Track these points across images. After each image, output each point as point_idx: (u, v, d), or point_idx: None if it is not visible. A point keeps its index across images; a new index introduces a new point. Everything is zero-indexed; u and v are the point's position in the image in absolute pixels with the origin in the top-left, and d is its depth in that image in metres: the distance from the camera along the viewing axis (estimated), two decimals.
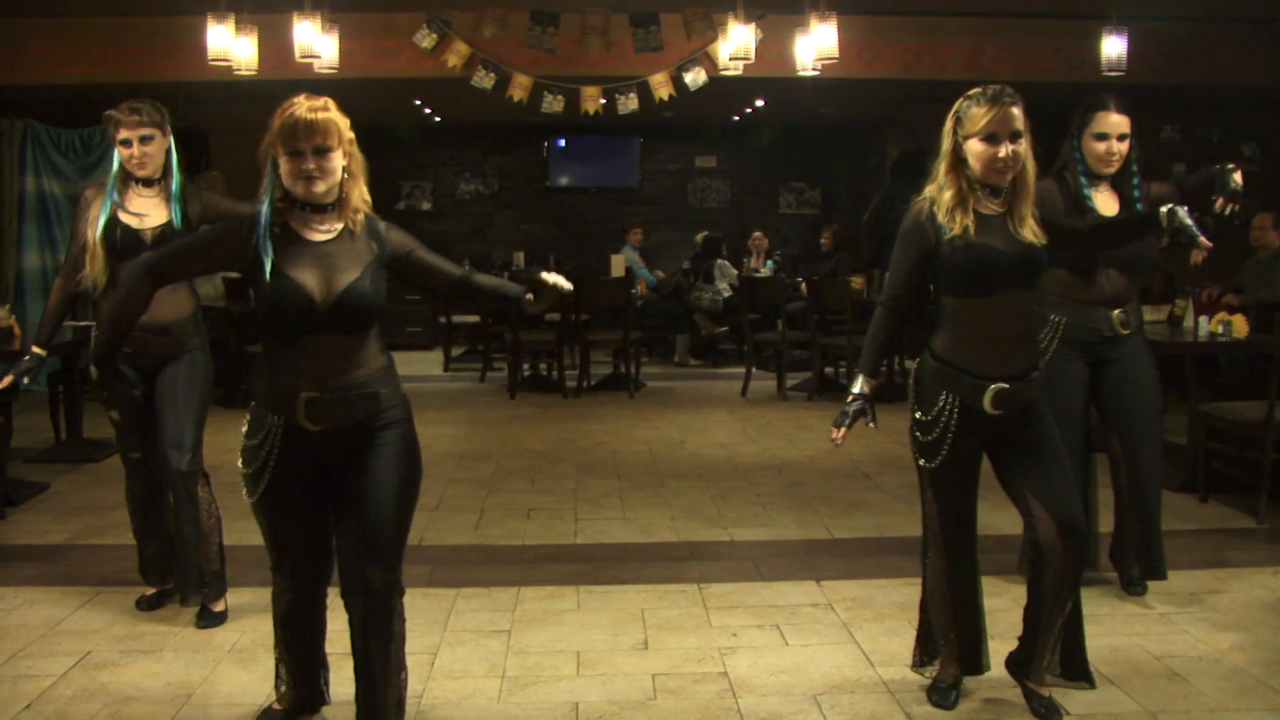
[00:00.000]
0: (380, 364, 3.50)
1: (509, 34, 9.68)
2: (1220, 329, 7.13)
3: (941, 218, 3.67)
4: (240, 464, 3.49)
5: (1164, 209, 3.87)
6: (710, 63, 9.73)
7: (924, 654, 4.11)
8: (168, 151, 4.83)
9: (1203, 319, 7.34)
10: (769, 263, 13.95)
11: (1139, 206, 4.82)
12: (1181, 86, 10.67)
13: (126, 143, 4.70)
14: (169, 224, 4.77)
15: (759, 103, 13.82)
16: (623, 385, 11.61)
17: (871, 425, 3.80)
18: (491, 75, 9.76)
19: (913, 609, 4.97)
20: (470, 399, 11.37)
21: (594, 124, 13.26)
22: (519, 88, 9.83)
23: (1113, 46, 8.61)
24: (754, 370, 11.54)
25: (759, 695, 4.13)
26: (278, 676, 3.86)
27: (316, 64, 8.47)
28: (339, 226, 3.43)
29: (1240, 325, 7.10)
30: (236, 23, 8.16)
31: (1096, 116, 4.86)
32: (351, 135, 3.43)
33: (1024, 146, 3.62)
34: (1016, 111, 3.58)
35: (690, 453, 8.54)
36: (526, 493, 7.29)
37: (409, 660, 4.40)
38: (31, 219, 11.18)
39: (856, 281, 11.26)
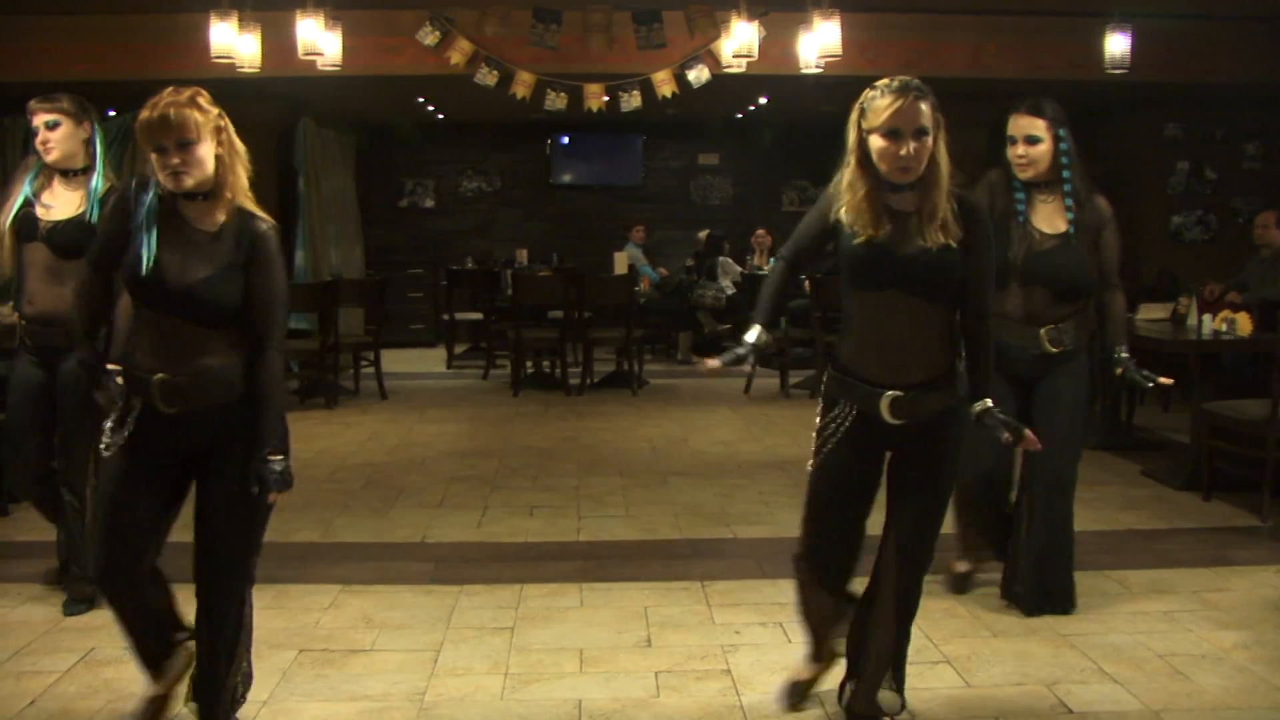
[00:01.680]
0: (238, 357, 3.46)
1: (512, 31, 9.66)
2: (1224, 327, 7.14)
3: (849, 220, 3.45)
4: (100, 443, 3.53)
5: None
6: (713, 60, 9.71)
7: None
8: (86, 144, 4.87)
9: (1206, 317, 7.34)
10: (772, 260, 13.94)
11: (1071, 228, 4.68)
12: (1185, 84, 10.66)
13: (35, 130, 4.80)
14: (75, 219, 4.78)
15: (762, 100, 13.81)
16: (625, 383, 11.61)
17: (751, 369, 3.73)
18: (494, 72, 9.75)
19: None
20: (473, 396, 11.37)
21: (597, 121, 13.24)
22: (522, 85, 9.82)
23: (1116, 44, 8.59)
24: (757, 368, 11.53)
25: (762, 693, 4.13)
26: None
27: (319, 61, 8.46)
28: (218, 220, 3.44)
29: (1244, 323, 7.10)
30: (240, 20, 8.15)
31: (1008, 119, 4.75)
32: (223, 123, 3.44)
33: (929, 144, 3.33)
34: (924, 107, 3.31)
35: (693, 450, 8.55)
36: (529, 490, 7.29)
37: (412, 657, 4.43)
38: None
39: None
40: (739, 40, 8.70)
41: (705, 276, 13.60)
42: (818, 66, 8.54)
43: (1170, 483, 7.13)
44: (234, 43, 8.06)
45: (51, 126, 4.79)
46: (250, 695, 4.05)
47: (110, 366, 3.74)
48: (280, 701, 4.09)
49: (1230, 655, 4.44)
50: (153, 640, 3.71)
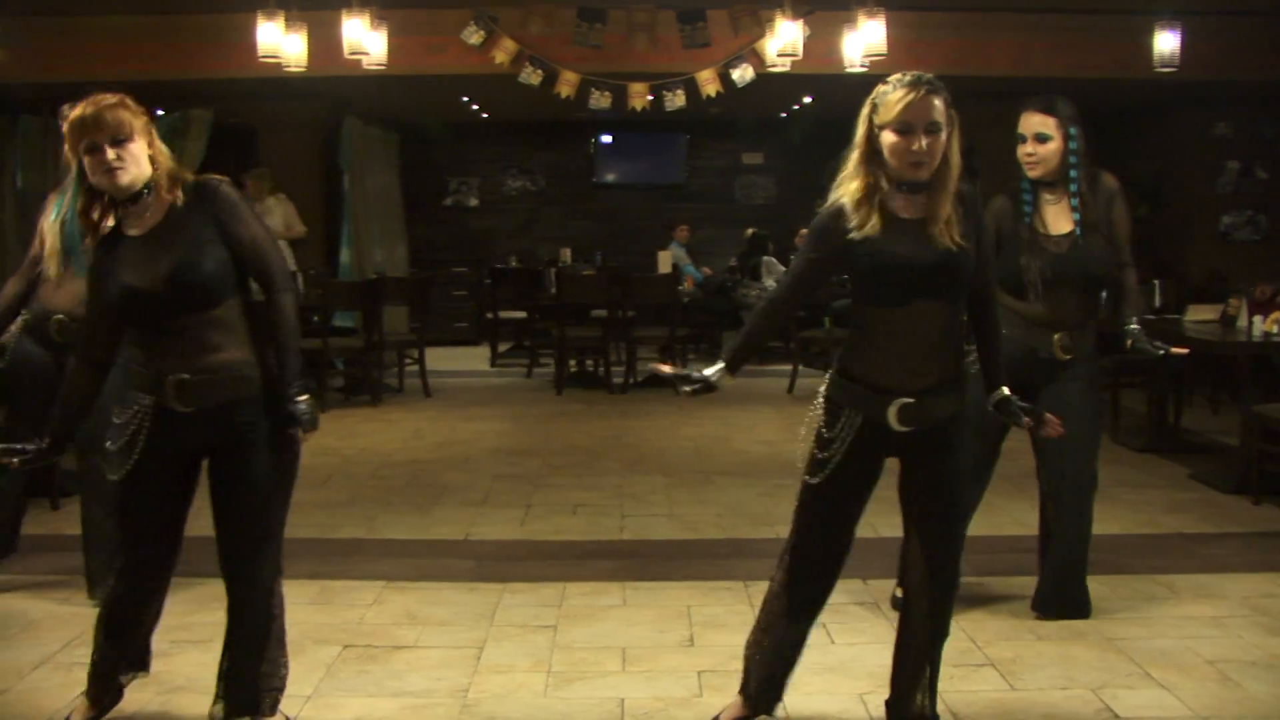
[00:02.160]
0: (248, 347, 3.49)
1: (556, 30, 9.68)
2: (1275, 328, 7.06)
3: (851, 215, 3.37)
4: (108, 441, 3.52)
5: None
6: (758, 59, 9.69)
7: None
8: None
9: (1257, 318, 7.27)
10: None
11: (1077, 228, 4.63)
12: (1235, 82, 10.55)
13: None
14: None
15: (806, 99, 13.77)
16: (669, 382, 11.56)
17: (689, 395, 3.73)
18: (539, 72, 9.77)
19: (958, 608, 4.94)
20: (516, 394, 11.40)
21: (640, 120, 13.24)
22: (566, 84, 9.83)
23: (1165, 42, 8.51)
24: (800, 367, 11.50)
25: (805, 694, 4.11)
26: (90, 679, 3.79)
27: (365, 60, 8.51)
28: (159, 215, 3.44)
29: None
30: (286, 20, 8.20)
31: (1020, 117, 4.67)
32: (144, 120, 3.46)
33: (943, 142, 3.27)
34: (937, 102, 3.24)
35: (736, 450, 8.53)
36: (572, 489, 7.31)
37: (455, 654, 4.44)
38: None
39: None
40: (783, 39, 8.69)
41: (749, 276, 13.58)
42: (863, 66, 8.51)
43: (1219, 486, 7.06)
44: (280, 42, 8.11)
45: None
46: (294, 690, 4.08)
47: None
48: (324, 697, 4.11)
49: None
50: (118, 659, 3.75)
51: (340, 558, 5.66)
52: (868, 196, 3.34)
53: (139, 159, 3.37)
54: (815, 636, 4.62)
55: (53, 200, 4.89)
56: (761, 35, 9.51)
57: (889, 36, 8.13)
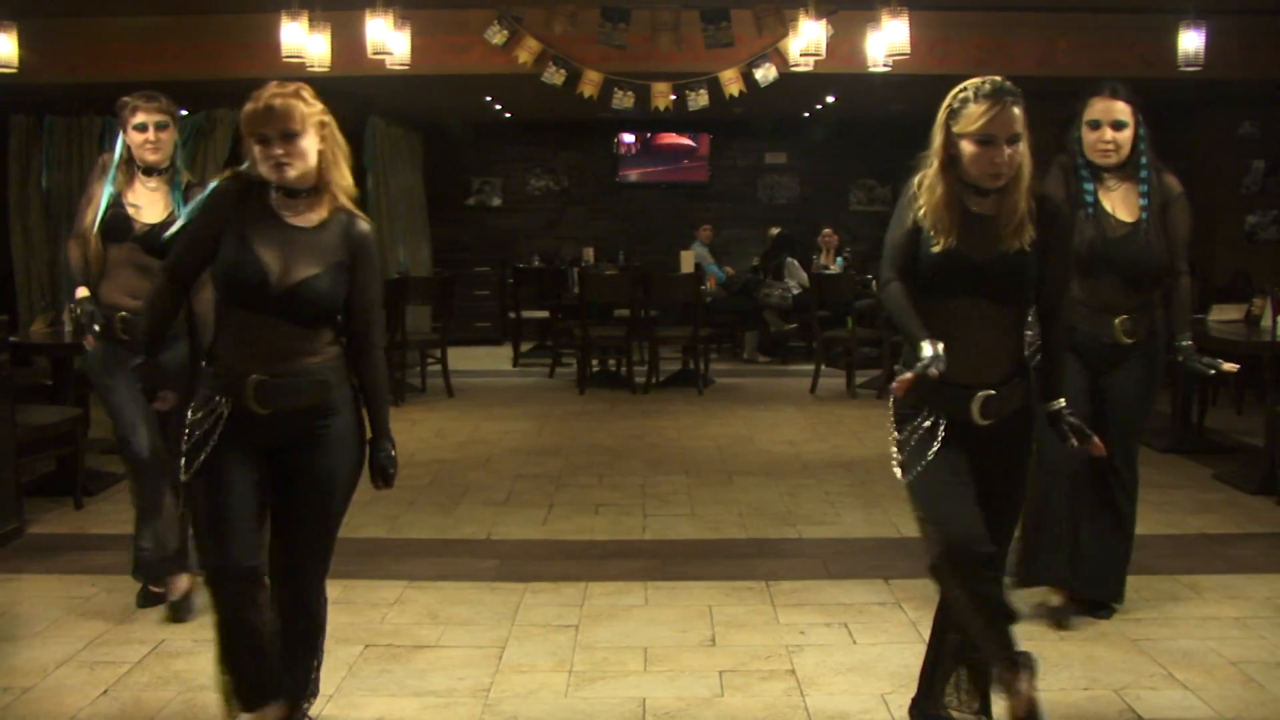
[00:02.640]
0: (333, 354, 3.48)
1: (580, 30, 9.68)
2: None
3: (929, 224, 3.35)
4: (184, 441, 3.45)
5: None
6: (781, 59, 9.68)
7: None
8: (175, 145, 5.00)
9: None
10: (838, 260, 13.88)
11: (1144, 215, 4.58)
12: (1261, 81, 10.49)
13: (143, 127, 4.87)
14: (166, 221, 4.84)
15: (829, 99, 13.75)
16: (691, 382, 11.60)
17: (936, 372, 3.30)
18: (562, 71, 9.77)
19: None
20: (539, 394, 11.42)
21: (664, 120, 13.25)
22: (589, 84, 9.84)
23: (1190, 41, 8.47)
24: (823, 367, 11.49)
25: (827, 694, 4.11)
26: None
27: (389, 60, 8.53)
28: (319, 217, 3.42)
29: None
30: (310, 20, 8.22)
31: (1090, 103, 4.61)
32: (327, 119, 3.42)
33: (1022, 151, 3.26)
34: (1017, 112, 3.23)
35: (759, 450, 8.53)
36: (595, 488, 7.31)
37: (477, 653, 4.45)
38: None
39: None
40: (807, 39, 8.67)
41: (772, 276, 13.56)
42: (886, 65, 8.48)
43: (1243, 487, 7.02)
44: (304, 42, 8.13)
45: (162, 127, 4.89)
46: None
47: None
48: (346, 695, 4.13)
49: None
50: (256, 665, 3.49)
51: (362, 557, 5.67)
52: (947, 206, 3.33)
53: (306, 155, 3.34)
54: (837, 636, 4.64)
55: (96, 192, 4.90)
56: (785, 35, 9.50)
57: (912, 36, 8.11)
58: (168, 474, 4.85)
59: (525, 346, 13.89)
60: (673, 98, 9.94)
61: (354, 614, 4.94)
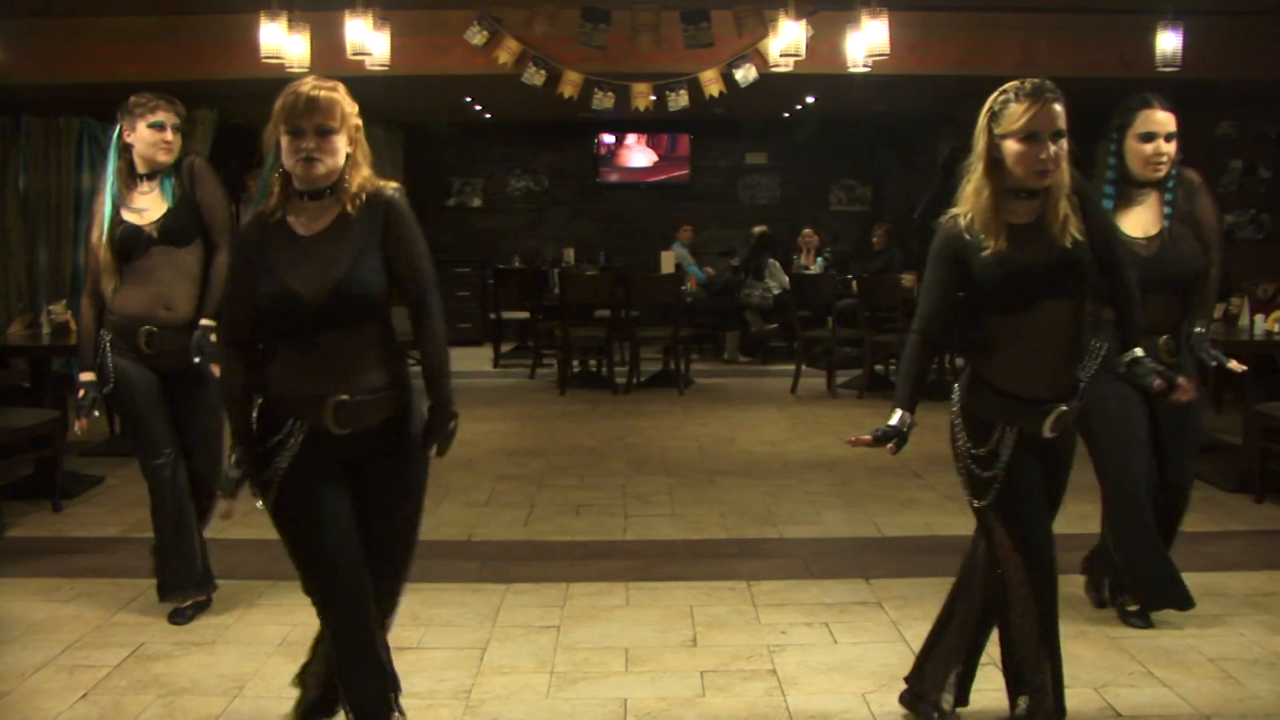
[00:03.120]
0: (397, 362, 3.39)
1: (560, 31, 9.68)
2: (1276, 327, 7.06)
3: (978, 229, 3.35)
4: (236, 467, 3.31)
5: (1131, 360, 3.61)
6: (761, 59, 9.69)
7: (1017, 691, 3.59)
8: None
9: (1258, 317, 7.27)
10: (819, 260, 13.90)
11: (1167, 224, 4.53)
12: (1238, 81, 10.54)
13: (160, 126, 4.73)
14: (167, 212, 4.77)
15: (810, 99, 13.76)
16: (672, 382, 11.60)
17: (891, 451, 3.49)
18: (542, 72, 9.77)
19: None
20: (520, 395, 11.41)
21: (644, 120, 13.26)
22: (569, 85, 9.83)
23: (1168, 41, 8.52)
24: (804, 367, 11.51)
25: (808, 693, 4.12)
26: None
27: (368, 61, 8.51)
28: (332, 216, 3.27)
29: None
30: (289, 20, 8.20)
31: (1140, 115, 4.53)
32: (359, 123, 3.31)
33: (1065, 146, 3.28)
34: (1059, 108, 3.25)
35: (740, 450, 8.53)
36: (576, 489, 7.31)
37: (458, 655, 4.45)
38: (88, 216, 11.27)
39: (907, 279, 11.21)
40: (787, 39, 8.68)
41: (753, 276, 13.58)
42: (866, 65, 8.50)
43: (1222, 485, 7.05)
44: (283, 43, 8.12)
45: (177, 130, 4.79)
46: (296, 691, 4.09)
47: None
48: None
49: None
50: (380, 682, 3.44)
51: None
52: (994, 211, 3.34)
53: (338, 153, 3.22)
54: (818, 636, 4.65)
55: (100, 208, 4.80)
56: (765, 35, 9.51)
57: (892, 36, 8.13)
58: (191, 498, 4.86)
59: (506, 347, 13.88)
60: (653, 98, 9.94)
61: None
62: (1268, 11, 9.73)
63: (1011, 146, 3.28)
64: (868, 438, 3.46)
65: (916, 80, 10.93)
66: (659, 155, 16.79)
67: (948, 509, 6.66)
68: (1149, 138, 4.53)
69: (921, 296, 3.54)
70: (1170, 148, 4.54)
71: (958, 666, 3.77)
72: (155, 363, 4.79)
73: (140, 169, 4.79)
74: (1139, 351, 3.55)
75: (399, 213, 3.32)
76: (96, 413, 4.85)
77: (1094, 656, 4.44)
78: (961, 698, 3.80)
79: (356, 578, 3.33)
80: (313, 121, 3.17)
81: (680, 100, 9.91)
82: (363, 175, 3.31)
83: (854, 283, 11.58)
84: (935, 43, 10.09)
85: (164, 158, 4.78)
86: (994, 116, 3.34)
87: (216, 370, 4.64)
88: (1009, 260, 3.31)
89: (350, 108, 3.26)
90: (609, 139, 16.55)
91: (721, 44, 9.74)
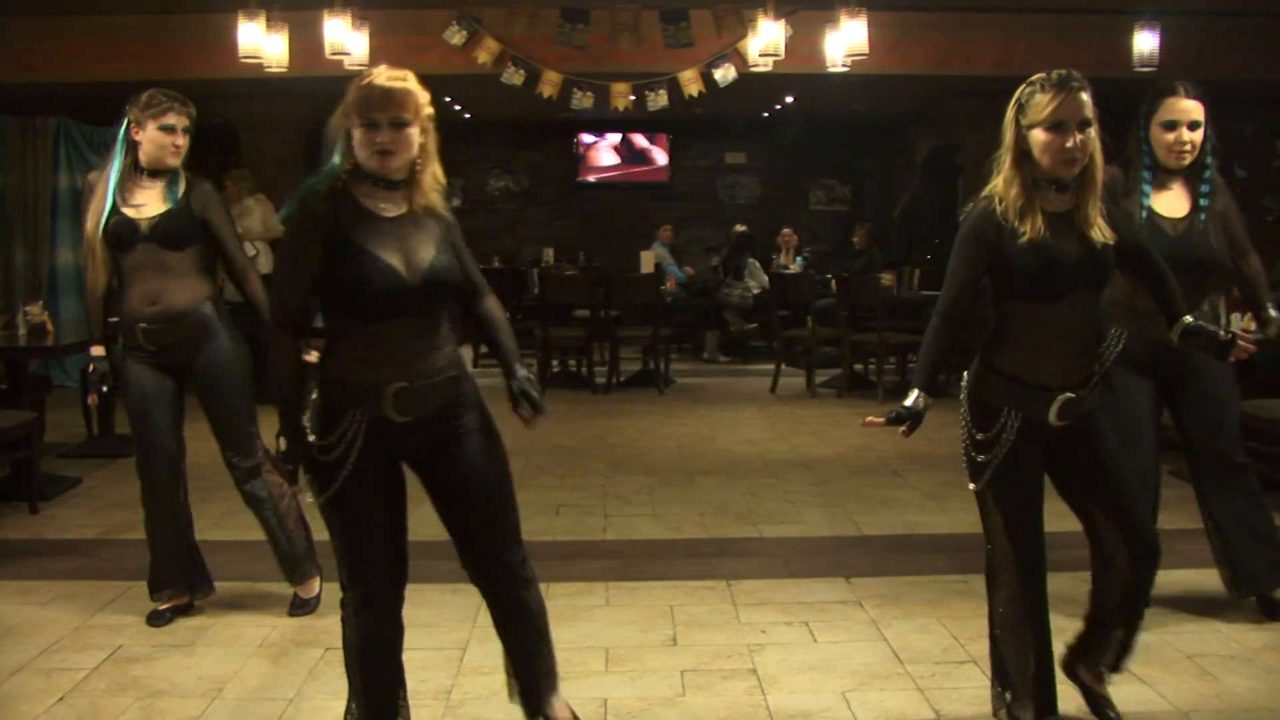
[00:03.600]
0: (453, 344, 3.40)
1: (539, 31, 9.69)
2: (1254, 326, 7.07)
3: (1012, 217, 3.36)
4: (286, 458, 3.30)
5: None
6: (740, 59, 9.72)
7: (1004, 689, 3.67)
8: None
9: (1235, 316, 7.28)
10: (799, 259, 13.93)
11: (1203, 216, 4.53)
12: (1214, 82, 10.55)
13: (170, 129, 4.68)
14: (172, 211, 4.71)
15: (789, 99, 13.80)
16: (652, 382, 11.60)
17: (904, 433, 3.48)
18: (521, 72, 9.77)
19: (942, 605, 4.99)
20: (499, 395, 11.34)
21: (624, 120, 13.27)
22: (549, 84, 9.84)
23: (1145, 42, 8.57)
24: (784, 367, 11.51)
25: (788, 692, 4.12)
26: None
27: (347, 61, 8.50)
28: (409, 202, 3.28)
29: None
30: (268, 20, 8.19)
31: (1164, 103, 4.53)
32: (431, 112, 3.29)
33: (1093, 135, 3.31)
34: (1085, 97, 3.27)
35: (720, 449, 8.54)
36: (556, 489, 7.30)
37: (438, 655, 4.44)
38: (65, 215, 11.24)
39: (887, 278, 11.24)
40: (766, 39, 8.71)
41: (733, 275, 13.59)
42: (845, 65, 8.53)
43: None
44: (262, 42, 8.11)
45: (187, 132, 4.75)
46: (276, 693, 4.11)
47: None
48: (307, 699, 4.11)
49: (1259, 656, 4.41)
50: (391, 694, 3.49)
51: (323, 559, 5.63)
52: (1029, 200, 3.36)
53: (413, 145, 3.22)
54: (798, 635, 4.66)
55: (95, 197, 4.73)
56: (744, 35, 9.53)
57: (871, 36, 8.15)
58: (177, 490, 4.83)
59: (485, 348, 13.83)
60: (632, 98, 9.96)
61: (315, 616, 4.91)
62: (1243, 13, 9.79)
63: (1038, 136, 3.31)
64: (881, 420, 3.48)
65: (895, 80, 10.98)
66: (621, 158, 16.81)
67: (927, 508, 6.68)
68: (1171, 126, 4.53)
69: (947, 279, 3.55)
70: (1195, 135, 4.53)
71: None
72: (161, 359, 4.76)
73: (144, 164, 4.73)
74: (1189, 319, 3.63)
75: (454, 222, 3.41)
76: (106, 387, 4.89)
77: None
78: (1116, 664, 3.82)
79: (396, 581, 3.42)
80: (388, 114, 3.15)
81: (660, 100, 9.93)
82: (434, 168, 3.33)
83: (833, 282, 11.60)
84: (914, 43, 10.13)
85: (172, 161, 4.73)
86: (1021, 108, 3.36)
87: None
88: (1045, 248, 3.33)
89: (423, 98, 3.25)
90: (588, 138, 16.54)
91: (701, 44, 9.77)
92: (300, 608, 4.93)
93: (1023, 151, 3.36)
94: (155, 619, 4.82)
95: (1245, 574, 4.72)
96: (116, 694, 4.12)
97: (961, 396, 3.57)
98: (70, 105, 11.06)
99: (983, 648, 4.46)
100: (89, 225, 4.71)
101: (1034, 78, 3.35)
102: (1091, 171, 3.35)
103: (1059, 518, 3.75)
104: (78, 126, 11.15)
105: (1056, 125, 3.27)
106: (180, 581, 4.88)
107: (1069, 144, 3.26)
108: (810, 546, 5.98)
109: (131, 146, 4.72)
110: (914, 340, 10.88)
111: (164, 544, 4.86)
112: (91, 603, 5.05)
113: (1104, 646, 3.74)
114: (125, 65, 9.62)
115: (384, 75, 3.17)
